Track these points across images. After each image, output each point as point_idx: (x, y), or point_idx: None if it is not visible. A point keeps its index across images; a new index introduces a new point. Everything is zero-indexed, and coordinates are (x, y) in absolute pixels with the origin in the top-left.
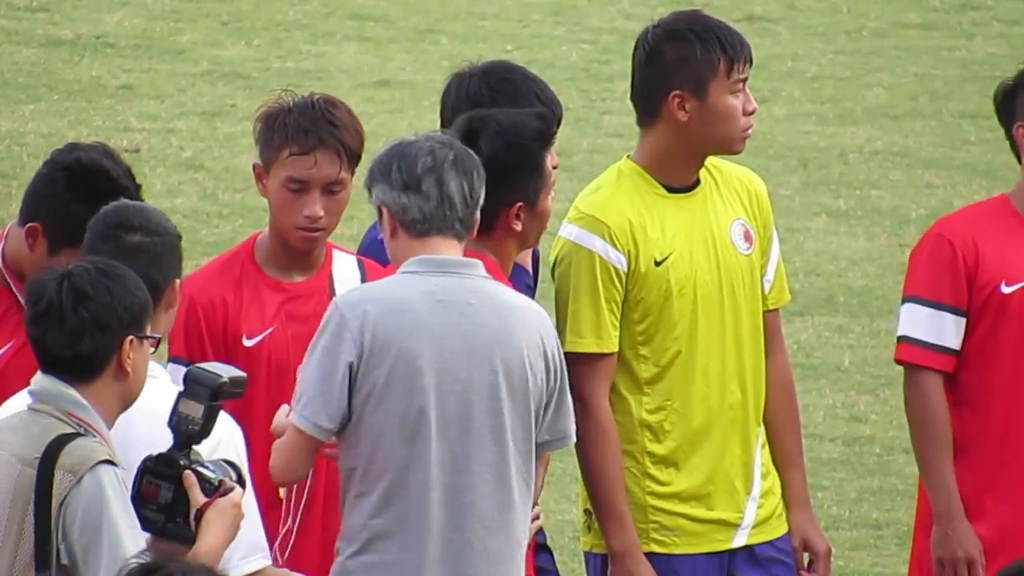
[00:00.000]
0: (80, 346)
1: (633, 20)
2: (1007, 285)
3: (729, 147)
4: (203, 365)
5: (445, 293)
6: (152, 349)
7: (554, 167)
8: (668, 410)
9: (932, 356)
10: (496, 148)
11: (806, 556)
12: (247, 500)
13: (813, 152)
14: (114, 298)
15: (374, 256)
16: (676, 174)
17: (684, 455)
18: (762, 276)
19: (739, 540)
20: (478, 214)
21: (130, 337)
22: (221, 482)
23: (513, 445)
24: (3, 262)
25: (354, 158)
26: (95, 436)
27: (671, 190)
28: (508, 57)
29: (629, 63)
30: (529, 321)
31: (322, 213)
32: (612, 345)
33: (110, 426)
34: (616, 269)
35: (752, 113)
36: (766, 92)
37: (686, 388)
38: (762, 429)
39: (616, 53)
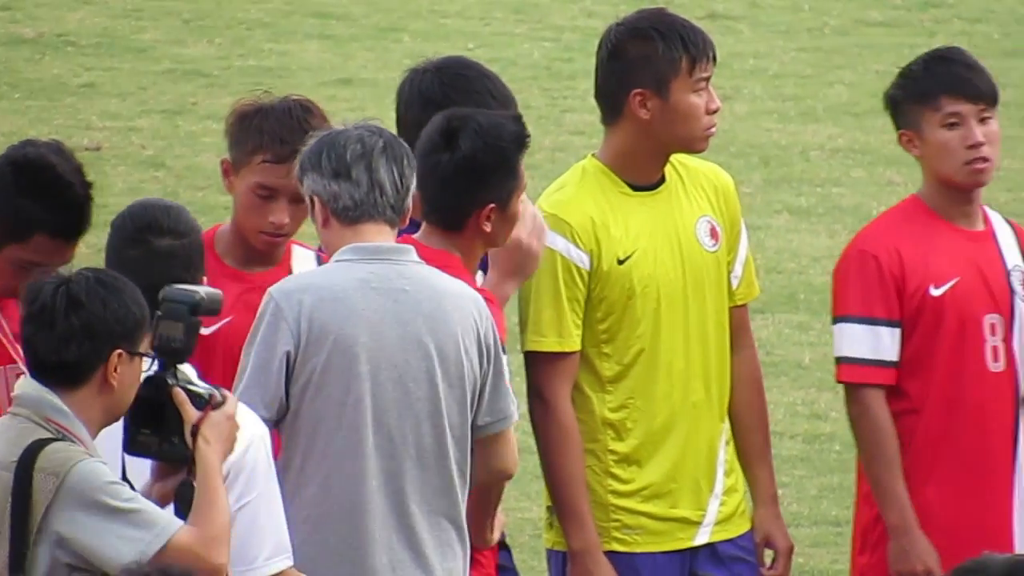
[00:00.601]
0: (67, 352)
1: (595, 18)
2: (935, 288)
3: (691, 146)
4: (177, 286)
5: (379, 280)
6: (147, 366)
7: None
8: (631, 408)
9: (873, 372)
10: (475, 148)
11: (769, 553)
12: (273, 498)
13: (775, 150)
14: (107, 309)
15: None
16: (640, 172)
17: (647, 453)
18: (730, 272)
19: (701, 538)
20: (410, 201)
21: (119, 351)
22: (211, 395)
23: (449, 430)
24: None
25: None
26: (75, 442)
27: (636, 188)
28: (470, 55)
29: (591, 61)
30: (463, 306)
31: (287, 220)
32: (574, 344)
33: (93, 436)
34: (578, 268)
35: (715, 112)
36: (728, 90)
37: (649, 386)
38: (727, 425)
39: (578, 51)
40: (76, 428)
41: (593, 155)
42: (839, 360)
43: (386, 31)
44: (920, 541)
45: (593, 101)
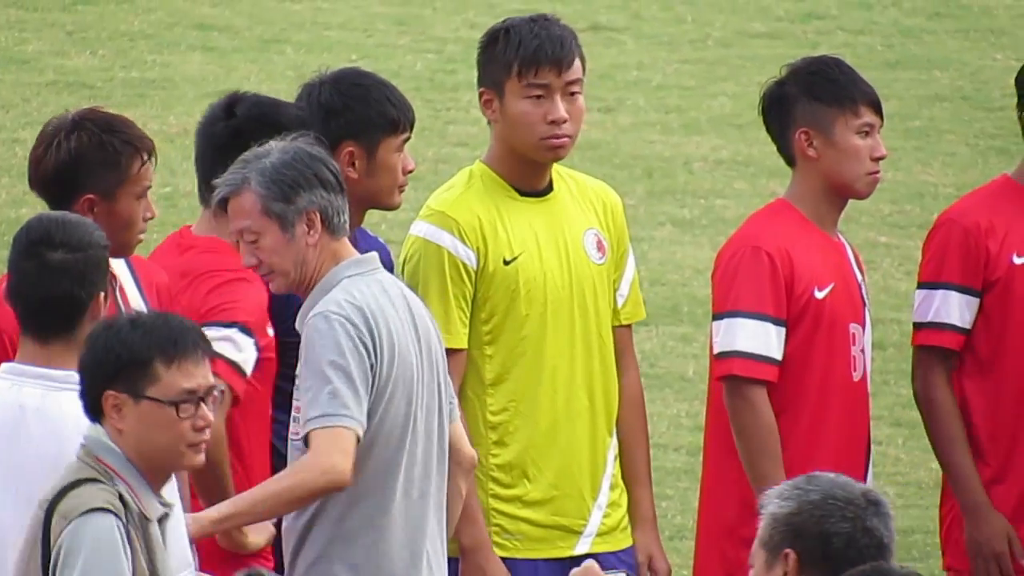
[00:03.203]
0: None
1: (477, 30)
2: (819, 290)
3: (535, 154)
4: None
5: (390, 288)
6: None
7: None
8: (513, 412)
9: (761, 368)
10: (249, 118)
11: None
12: (179, 513)
13: (658, 161)
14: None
15: None
16: (523, 177)
17: (529, 459)
18: (615, 290)
19: (582, 547)
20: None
21: (110, 392)
22: None
23: (447, 424)
24: None
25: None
26: (117, 481)
27: (523, 193)
28: (353, 66)
29: (474, 73)
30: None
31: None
32: (461, 341)
33: (156, 484)
34: (465, 265)
35: (555, 122)
36: (611, 101)
37: (532, 390)
38: (615, 441)
39: (461, 63)
40: (124, 469)
41: (481, 160)
42: (724, 355)
43: (269, 43)
44: None
45: (477, 112)
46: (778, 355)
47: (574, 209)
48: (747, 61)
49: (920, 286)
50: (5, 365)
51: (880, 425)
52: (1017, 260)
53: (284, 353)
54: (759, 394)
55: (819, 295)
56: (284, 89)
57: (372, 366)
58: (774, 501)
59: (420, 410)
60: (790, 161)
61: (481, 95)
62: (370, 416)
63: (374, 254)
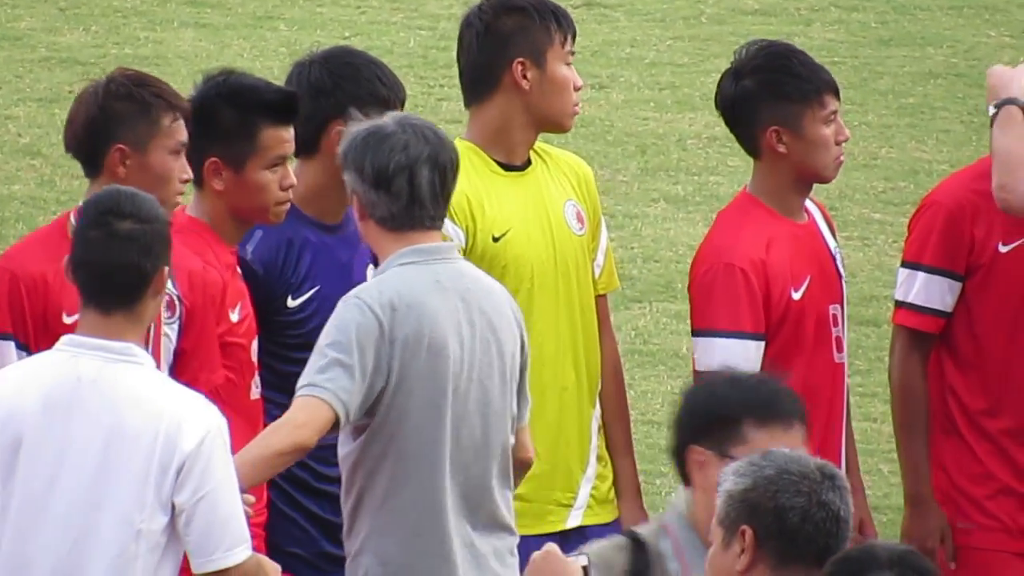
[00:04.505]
0: None
1: (471, 6)
2: (795, 291)
3: (561, 122)
4: None
5: (448, 280)
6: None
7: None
8: None
9: None
10: (206, 96)
11: None
12: (231, 488)
13: (651, 138)
14: None
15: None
16: (510, 150)
17: None
18: (592, 260)
19: (573, 520)
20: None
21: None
22: None
23: (509, 425)
24: None
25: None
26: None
27: (505, 168)
28: (346, 44)
29: None
30: (509, 302)
31: None
32: None
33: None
34: (455, 243)
35: (578, 90)
36: (604, 78)
37: None
38: (599, 412)
39: (454, 39)
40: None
41: (460, 137)
42: (707, 375)
43: (262, 19)
44: None
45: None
46: (756, 369)
47: (551, 182)
48: (741, 38)
49: (903, 264)
50: (64, 337)
51: (874, 402)
52: (1003, 248)
53: (274, 332)
54: None
55: (796, 295)
56: (277, 66)
57: (383, 356)
58: (730, 478)
59: (461, 406)
60: (755, 155)
61: (512, 64)
62: (380, 404)
63: (451, 244)
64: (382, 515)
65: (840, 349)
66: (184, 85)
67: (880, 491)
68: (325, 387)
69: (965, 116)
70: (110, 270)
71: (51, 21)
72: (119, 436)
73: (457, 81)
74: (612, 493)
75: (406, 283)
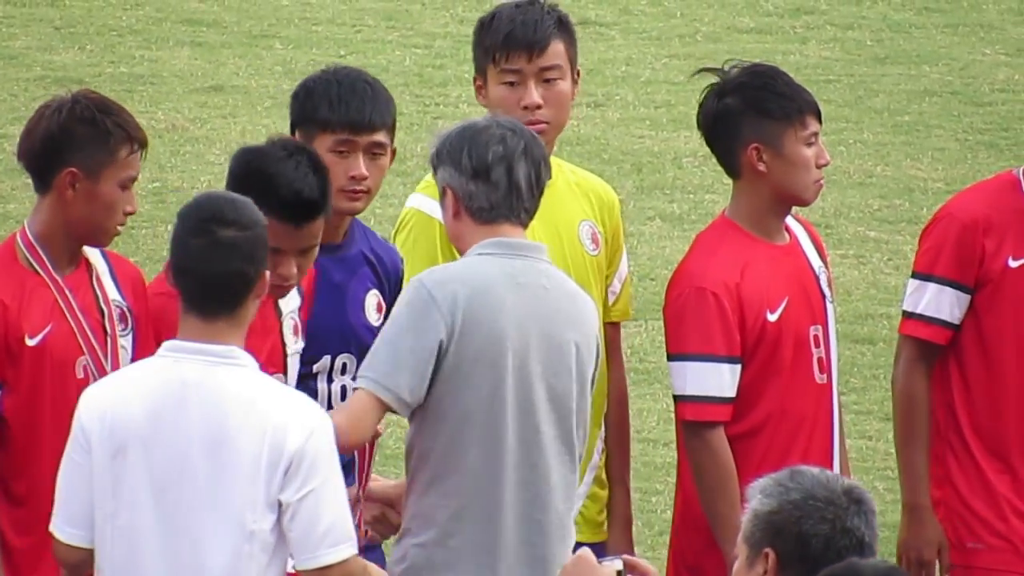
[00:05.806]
0: None
1: (467, 25)
2: (771, 313)
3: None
4: None
5: (523, 275)
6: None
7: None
8: None
9: (712, 409)
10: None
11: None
12: (336, 486)
13: (647, 156)
14: None
15: None
16: None
17: None
18: (607, 286)
19: None
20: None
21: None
22: None
23: (575, 428)
24: None
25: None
26: None
27: None
28: (341, 62)
29: (463, 68)
30: (591, 307)
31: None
32: None
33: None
34: None
35: (526, 108)
36: (600, 97)
37: None
38: (603, 432)
39: (449, 58)
40: None
41: None
42: (678, 398)
43: (257, 38)
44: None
45: (466, 107)
46: (731, 392)
47: (570, 199)
48: (736, 56)
49: (914, 275)
50: (165, 343)
51: (870, 420)
52: (1013, 263)
53: None
54: (713, 435)
55: (772, 318)
56: (272, 84)
57: (441, 341)
58: (757, 497)
59: (527, 400)
60: (734, 174)
61: (474, 81)
62: (434, 388)
63: (539, 244)
64: (427, 498)
65: (824, 370)
66: (180, 104)
67: (876, 508)
68: (366, 376)
69: (960, 134)
70: (213, 278)
71: (46, 40)
72: (227, 438)
73: (452, 100)
74: (603, 515)
75: (474, 271)
